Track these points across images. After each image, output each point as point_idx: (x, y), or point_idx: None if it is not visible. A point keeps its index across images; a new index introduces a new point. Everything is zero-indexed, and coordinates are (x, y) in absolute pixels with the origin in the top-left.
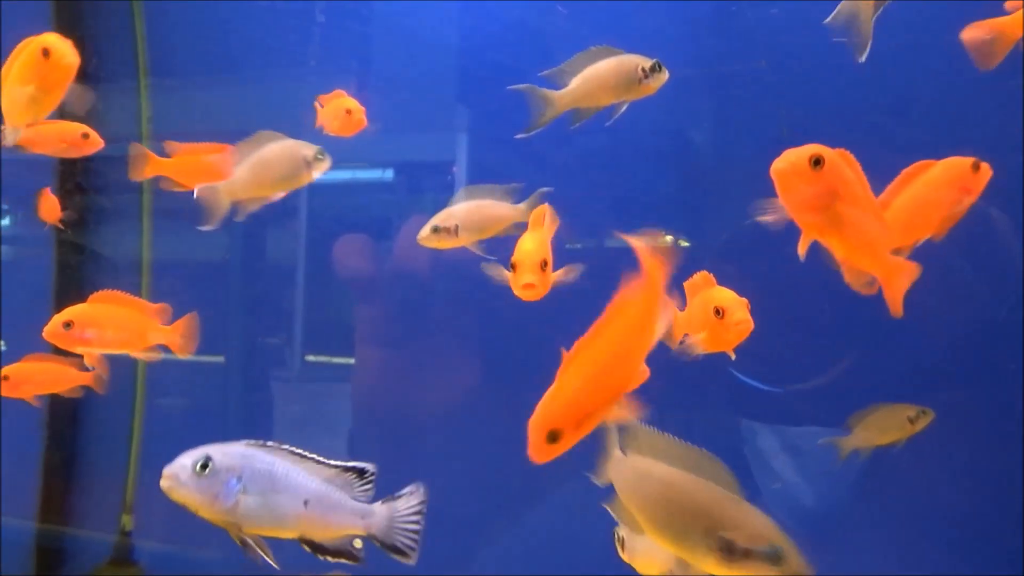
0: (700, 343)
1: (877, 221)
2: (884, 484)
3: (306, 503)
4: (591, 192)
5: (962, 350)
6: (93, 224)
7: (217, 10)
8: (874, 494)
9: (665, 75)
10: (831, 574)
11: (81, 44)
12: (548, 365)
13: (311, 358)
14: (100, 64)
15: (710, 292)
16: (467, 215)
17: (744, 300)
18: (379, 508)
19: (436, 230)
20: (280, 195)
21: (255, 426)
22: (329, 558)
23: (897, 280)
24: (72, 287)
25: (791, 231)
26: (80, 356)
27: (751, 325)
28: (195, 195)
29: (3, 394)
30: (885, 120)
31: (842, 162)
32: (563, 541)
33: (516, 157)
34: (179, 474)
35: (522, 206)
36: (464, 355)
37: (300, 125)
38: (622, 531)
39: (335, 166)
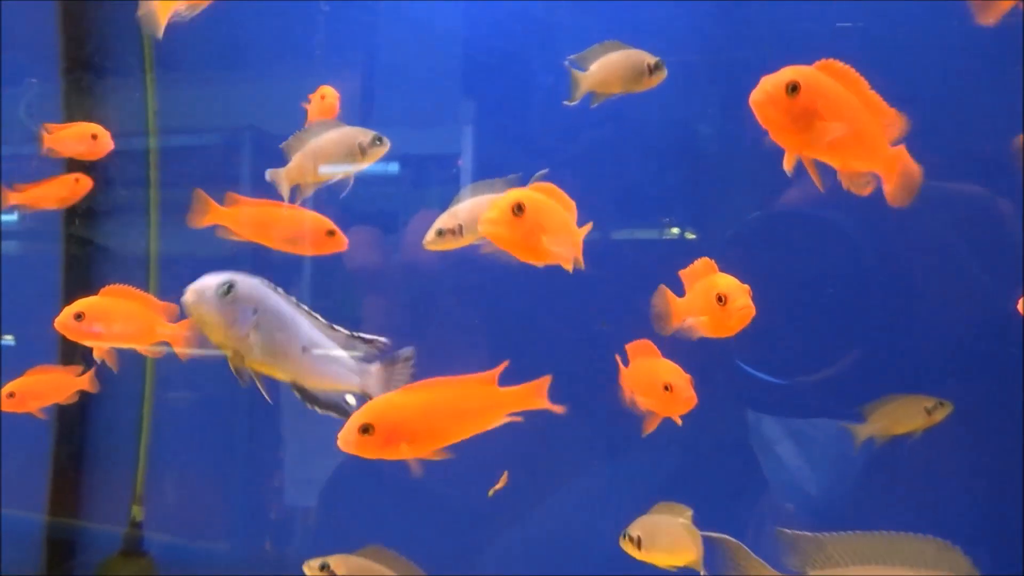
0: (701, 326)
1: (870, 119)
2: (890, 475)
3: (304, 349)
4: (597, 184)
5: (968, 342)
6: (101, 218)
7: (222, 3)
8: (880, 484)
9: (664, 73)
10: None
11: (87, 38)
12: (556, 356)
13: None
14: (106, 58)
15: (712, 279)
16: (469, 213)
17: (746, 287)
18: (375, 367)
19: (441, 233)
20: (341, 179)
21: (263, 418)
22: (318, 409)
23: (896, 170)
24: (79, 281)
25: (797, 225)
26: (80, 361)
27: (753, 311)
28: (266, 177)
29: (9, 410)
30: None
31: (820, 77)
32: (570, 537)
33: (521, 149)
34: (204, 292)
35: None
36: (473, 347)
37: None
38: (637, 531)
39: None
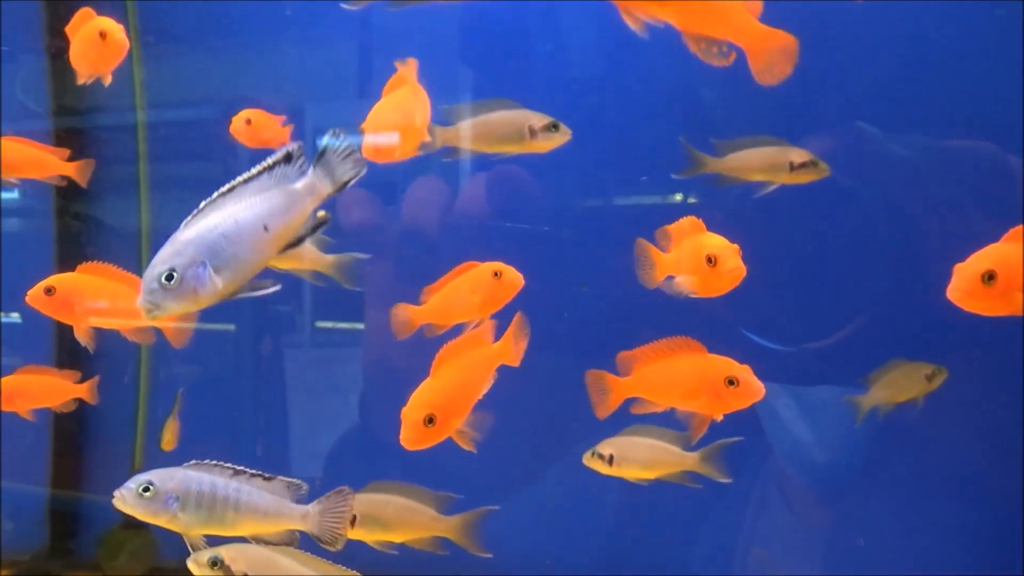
0: (690, 286)
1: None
2: (896, 442)
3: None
4: (598, 149)
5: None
6: (93, 193)
7: None
8: (887, 452)
9: None
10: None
11: (70, 12)
12: (556, 327)
13: (321, 324)
14: None
15: (700, 238)
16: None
17: (735, 246)
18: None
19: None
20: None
21: (263, 390)
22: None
23: (764, 48)
24: (73, 258)
25: (803, 192)
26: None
27: (743, 271)
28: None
29: None
30: (884, 76)
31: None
32: (576, 504)
33: None
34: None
35: (329, 258)
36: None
37: (286, 91)
38: (609, 449)
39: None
